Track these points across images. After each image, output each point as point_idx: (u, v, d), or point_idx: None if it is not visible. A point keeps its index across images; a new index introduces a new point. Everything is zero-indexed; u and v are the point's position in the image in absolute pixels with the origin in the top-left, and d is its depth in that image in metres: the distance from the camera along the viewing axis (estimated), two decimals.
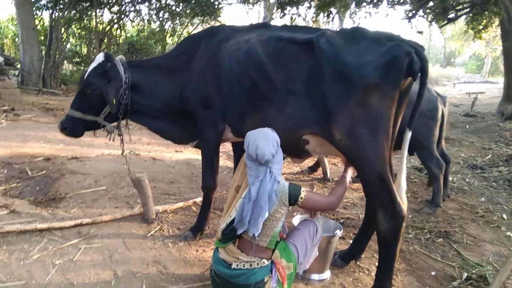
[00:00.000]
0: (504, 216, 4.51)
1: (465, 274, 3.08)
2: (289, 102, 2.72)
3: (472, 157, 7.42)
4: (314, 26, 14.86)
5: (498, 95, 17.09)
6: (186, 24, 16.75)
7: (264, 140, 2.30)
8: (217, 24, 13.70)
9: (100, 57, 3.27)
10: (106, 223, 3.58)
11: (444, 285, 3.00)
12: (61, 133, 3.36)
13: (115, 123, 3.40)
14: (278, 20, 19.85)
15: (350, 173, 2.81)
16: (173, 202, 4.20)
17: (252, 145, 2.31)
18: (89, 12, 14.21)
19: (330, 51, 2.54)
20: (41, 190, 4.26)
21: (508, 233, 4.06)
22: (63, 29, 13.14)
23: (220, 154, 3.53)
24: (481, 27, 11.89)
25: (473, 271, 3.14)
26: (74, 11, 13.61)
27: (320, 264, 2.90)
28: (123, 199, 4.20)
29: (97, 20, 14.23)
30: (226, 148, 5.65)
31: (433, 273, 3.19)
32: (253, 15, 35.05)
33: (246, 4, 18.24)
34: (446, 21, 13.46)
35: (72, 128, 3.32)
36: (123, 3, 14.64)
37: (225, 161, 5.99)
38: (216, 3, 14.00)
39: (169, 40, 16.83)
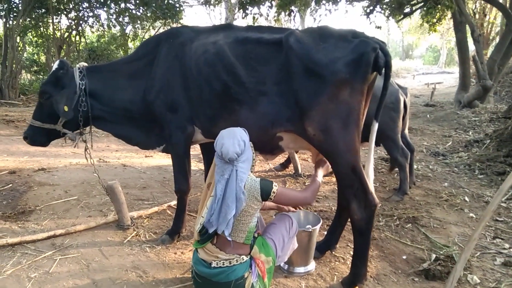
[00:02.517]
0: (466, 198, 4.77)
1: (433, 256, 3.24)
2: (262, 102, 2.77)
3: (434, 145, 7.77)
4: (276, 25, 15.03)
5: (455, 85, 17.88)
6: (147, 27, 16.51)
7: (230, 139, 2.34)
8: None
9: (55, 65, 3.28)
10: (81, 233, 3.52)
11: (415, 268, 3.15)
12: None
13: (78, 131, 3.38)
14: (240, 21, 19.96)
15: (321, 174, 2.88)
16: (147, 207, 4.17)
17: (219, 143, 2.36)
18: (46, 19, 13.73)
19: (300, 50, 2.61)
20: (9, 204, 4.13)
21: (471, 214, 4.30)
22: (18, 37, 12.65)
23: (191, 157, 3.54)
24: (435, 20, 12.42)
25: (441, 252, 3.30)
26: (29, 19, 13.12)
27: (305, 257, 3.01)
28: (96, 208, 4.14)
29: (54, 27, 13.79)
30: (197, 151, 5.65)
31: (404, 257, 3.35)
32: (214, 16, 34.86)
33: (207, 5, 18.19)
34: (402, 16, 14.00)
35: (33, 137, 3.37)
36: (80, 8, 14.23)
37: (196, 163, 5.99)
38: (177, 5, 13.85)
39: (130, 44, 16.52)
